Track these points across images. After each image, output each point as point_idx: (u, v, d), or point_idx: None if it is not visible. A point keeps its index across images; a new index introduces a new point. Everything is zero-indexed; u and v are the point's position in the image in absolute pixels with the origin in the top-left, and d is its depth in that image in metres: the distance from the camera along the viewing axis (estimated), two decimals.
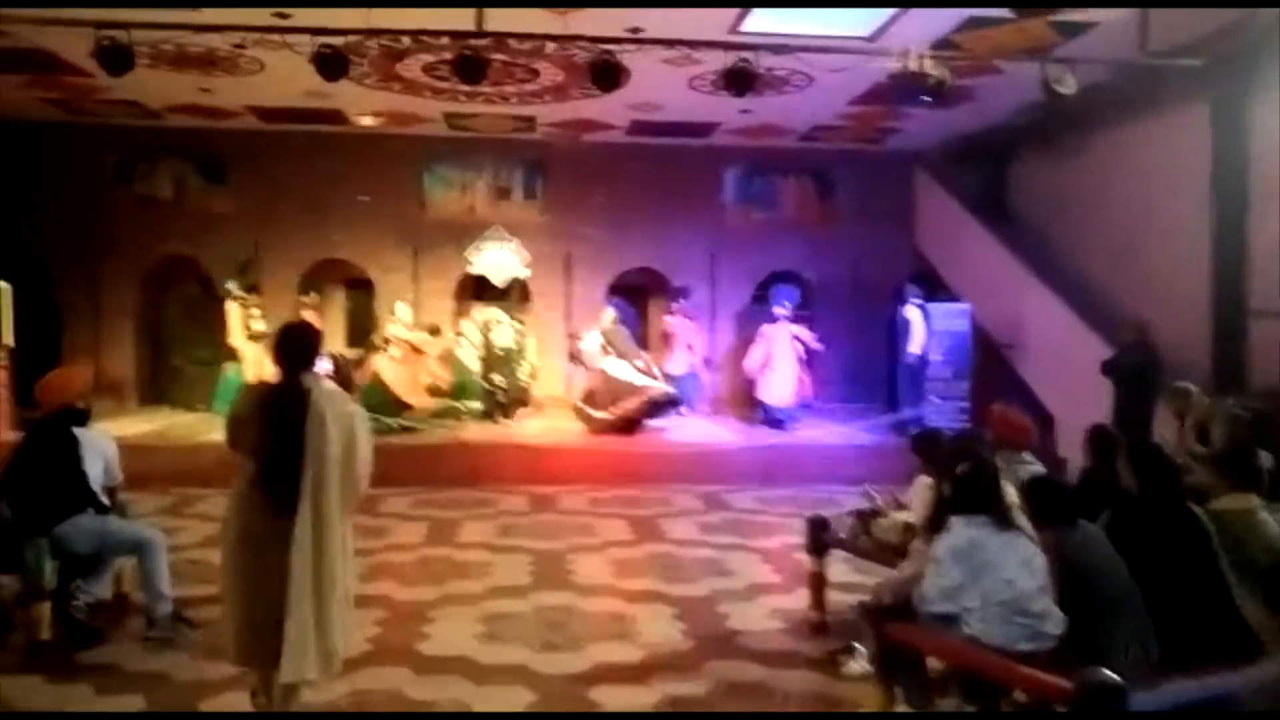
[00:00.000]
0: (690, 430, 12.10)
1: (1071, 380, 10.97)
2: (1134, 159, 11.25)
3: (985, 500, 3.80)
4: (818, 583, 5.77)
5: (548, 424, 12.48)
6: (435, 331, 12.93)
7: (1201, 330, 9.97)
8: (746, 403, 14.39)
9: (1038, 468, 5.54)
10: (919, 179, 15.03)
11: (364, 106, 12.68)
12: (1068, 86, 8.10)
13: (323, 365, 10.18)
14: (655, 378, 11.90)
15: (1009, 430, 5.53)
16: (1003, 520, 3.76)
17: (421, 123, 13.61)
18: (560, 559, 7.22)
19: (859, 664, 4.87)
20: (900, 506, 5.82)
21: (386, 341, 11.79)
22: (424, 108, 12.71)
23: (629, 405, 11.40)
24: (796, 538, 7.93)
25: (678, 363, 13.53)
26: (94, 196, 14.11)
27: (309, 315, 13.17)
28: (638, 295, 15.93)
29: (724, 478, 10.46)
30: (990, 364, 12.34)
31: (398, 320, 12.20)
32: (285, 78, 11.18)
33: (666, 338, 13.75)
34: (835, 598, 5.84)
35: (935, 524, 4.01)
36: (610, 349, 11.92)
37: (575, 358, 12.89)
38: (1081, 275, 11.87)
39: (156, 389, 14.51)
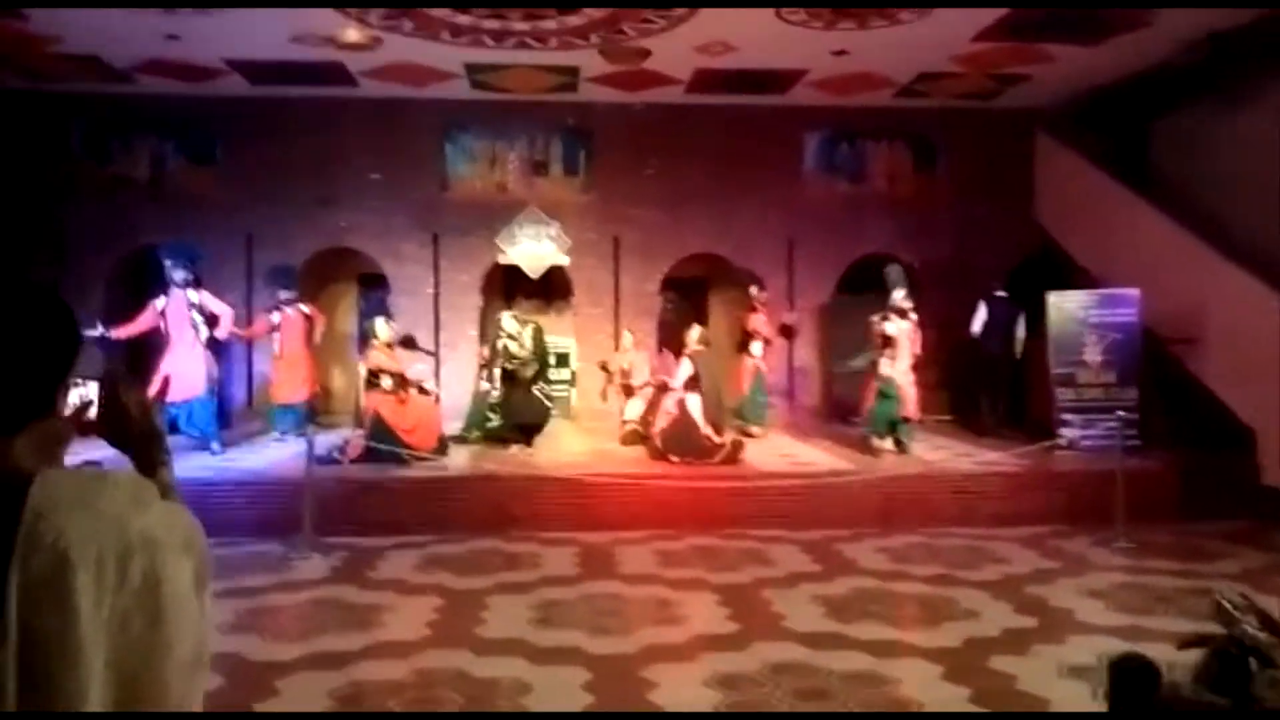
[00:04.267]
0: (773, 454, 9.60)
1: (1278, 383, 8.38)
2: None
3: None
4: None
5: (590, 445, 10.04)
6: (409, 344, 10.18)
7: None
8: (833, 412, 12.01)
9: None
10: (1040, 142, 12.41)
11: (368, 58, 10.35)
12: None
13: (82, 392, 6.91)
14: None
15: None
16: None
17: (440, 80, 11.24)
18: (634, 677, 4.73)
19: None
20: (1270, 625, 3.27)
21: (376, 375, 9.09)
22: (442, 57, 10.33)
23: (701, 460, 8.87)
24: (970, 623, 5.48)
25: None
26: (58, 178, 11.89)
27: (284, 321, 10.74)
28: (696, 289, 13.50)
29: (830, 519, 7.95)
30: (1157, 366, 9.71)
31: (378, 343, 9.34)
32: (266, 15, 8.89)
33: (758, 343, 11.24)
34: None
35: None
36: (699, 381, 9.30)
37: (628, 388, 10.58)
38: (1270, 255, 9.20)
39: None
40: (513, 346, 9.79)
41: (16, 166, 11.71)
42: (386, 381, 9.03)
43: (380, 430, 8.68)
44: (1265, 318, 8.64)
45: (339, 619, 5.57)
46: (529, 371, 9.71)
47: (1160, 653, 4.85)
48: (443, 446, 9.06)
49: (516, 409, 9.79)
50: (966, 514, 8.10)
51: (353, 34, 8.77)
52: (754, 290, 11.41)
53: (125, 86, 11.45)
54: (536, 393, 9.88)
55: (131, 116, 11.95)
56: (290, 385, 10.46)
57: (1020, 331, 11.00)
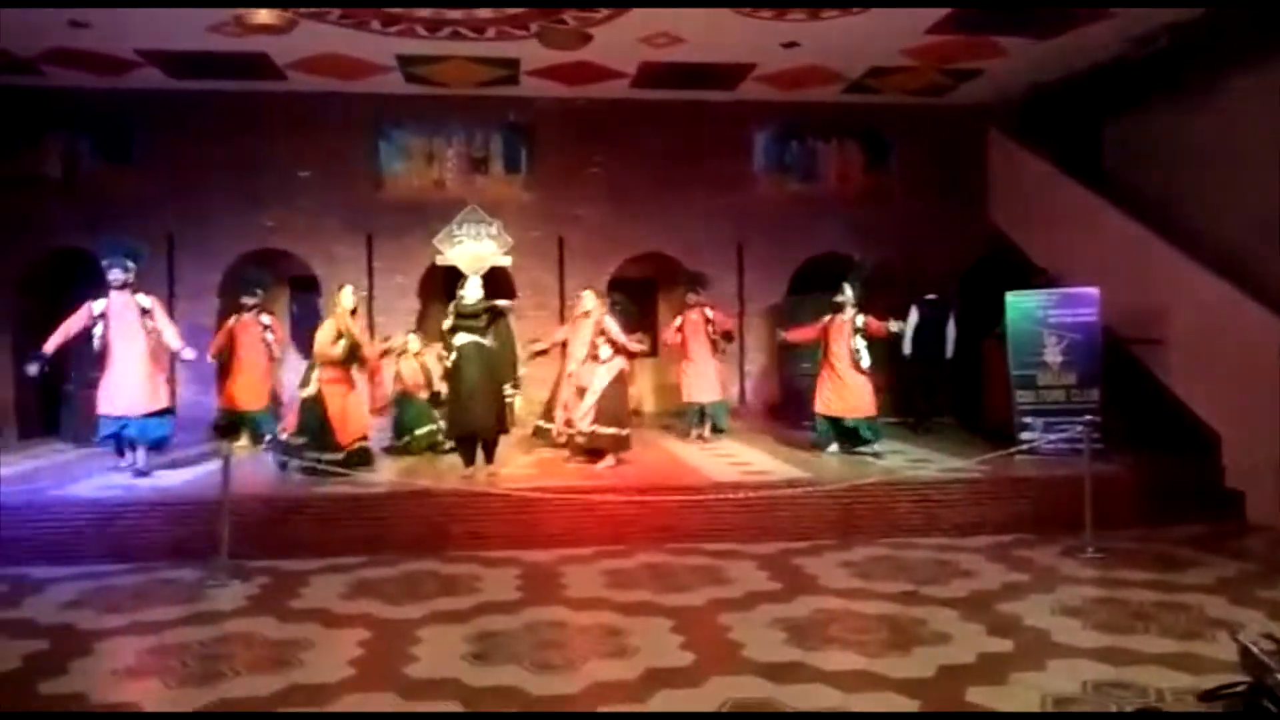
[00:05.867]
0: (724, 462, 9.20)
1: (1247, 387, 8.17)
2: None
3: None
4: None
5: (535, 455, 9.54)
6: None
7: None
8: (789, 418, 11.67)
9: None
10: (993, 140, 12.18)
11: (294, 48, 9.75)
12: None
13: None
14: None
15: None
16: None
17: (372, 73, 10.70)
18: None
19: None
20: None
21: (338, 337, 8.55)
22: (373, 48, 9.80)
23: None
24: (942, 648, 5.09)
25: (707, 383, 10.56)
26: None
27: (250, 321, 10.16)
28: (645, 290, 13.05)
29: (787, 531, 7.58)
30: (1118, 367, 9.47)
31: (340, 308, 8.79)
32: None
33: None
34: None
35: None
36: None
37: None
38: (1232, 255, 9.00)
39: (45, 419, 11.49)
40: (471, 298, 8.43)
41: None
42: (338, 348, 8.47)
43: (313, 409, 8.28)
44: (1230, 319, 8.43)
45: (252, 658, 5.01)
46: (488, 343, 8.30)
47: (1146, 677, 4.55)
48: (365, 454, 8.57)
49: (465, 410, 8.17)
50: (929, 523, 7.76)
51: (263, 15, 8.18)
52: (691, 296, 10.83)
53: (32, 78, 10.75)
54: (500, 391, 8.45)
55: (40, 111, 11.20)
56: (250, 392, 9.93)
57: (951, 331, 10.95)
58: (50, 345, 8.21)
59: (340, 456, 8.18)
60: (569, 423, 9.18)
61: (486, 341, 8.32)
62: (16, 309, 11.21)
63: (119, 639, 5.36)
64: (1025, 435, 8.83)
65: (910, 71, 10.83)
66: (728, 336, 10.96)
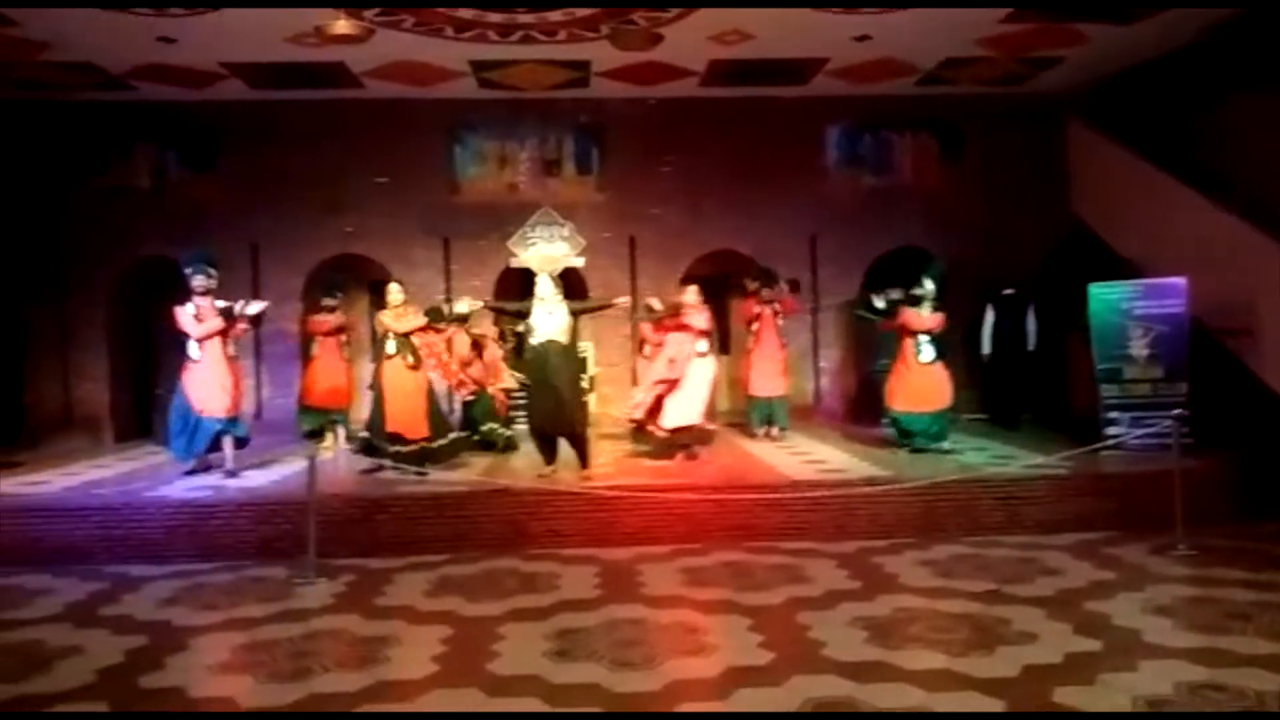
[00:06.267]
0: (799, 460, 9.14)
1: None
2: None
3: None
4: None
5: (610, 454, 9.59)
6: (435, 316, 9.56)
7: None
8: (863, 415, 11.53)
9: None
10: (1074, 129, 11.88)
11: (371, 56, 9.96)
12: None
13: None
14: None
15: None
16: None
17: (446, 79, 10.88)
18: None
19: None
20: None
21: (385, 335, 8.79)
22: (446, 54, 9.97)
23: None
24: (1027, 647, 4.98)
25: (772, 377, 10.52)
26: (57, 189, 11.56)
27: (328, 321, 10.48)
28: (717, 287, 13.01)
29: (865, 529, 7.51)
30: (1208, 359, 9.16)
31: (389, 308, 8.89)
32: (258, 15, 8.55)
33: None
34: None
35: None
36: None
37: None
38: None
39: (139, 422, 11.94)
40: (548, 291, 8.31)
41: (12, 179, 11.41)
42: (390, 345, 8.69)
43: (376, 402, 8.60)
44: None
45: (339, 654, 5.14)
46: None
47: (1243, 679, 4.40)
48: (432, 453, 8.64)
49: (538, 410, 8.23)
50: (1012, 521, 7.61)
51: (342, 25, 8.38)
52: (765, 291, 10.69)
53: (122, 94, 11.17)
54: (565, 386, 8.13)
55: (130, 124, 11.63)
56: (331, 392, 10.34)
57: (1031, 324, 10.81)
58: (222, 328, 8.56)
59: (405, 450, 8.39)
60: (647, 421, 9.11)
61: (563, 339, 8.25)
62: (110, 318, 11.67)
63: (212, 635, 5.54)
64: (1111, 430, 8.61)
65: (986, 62, 10.63)
66: (795, 285, 10.99)
